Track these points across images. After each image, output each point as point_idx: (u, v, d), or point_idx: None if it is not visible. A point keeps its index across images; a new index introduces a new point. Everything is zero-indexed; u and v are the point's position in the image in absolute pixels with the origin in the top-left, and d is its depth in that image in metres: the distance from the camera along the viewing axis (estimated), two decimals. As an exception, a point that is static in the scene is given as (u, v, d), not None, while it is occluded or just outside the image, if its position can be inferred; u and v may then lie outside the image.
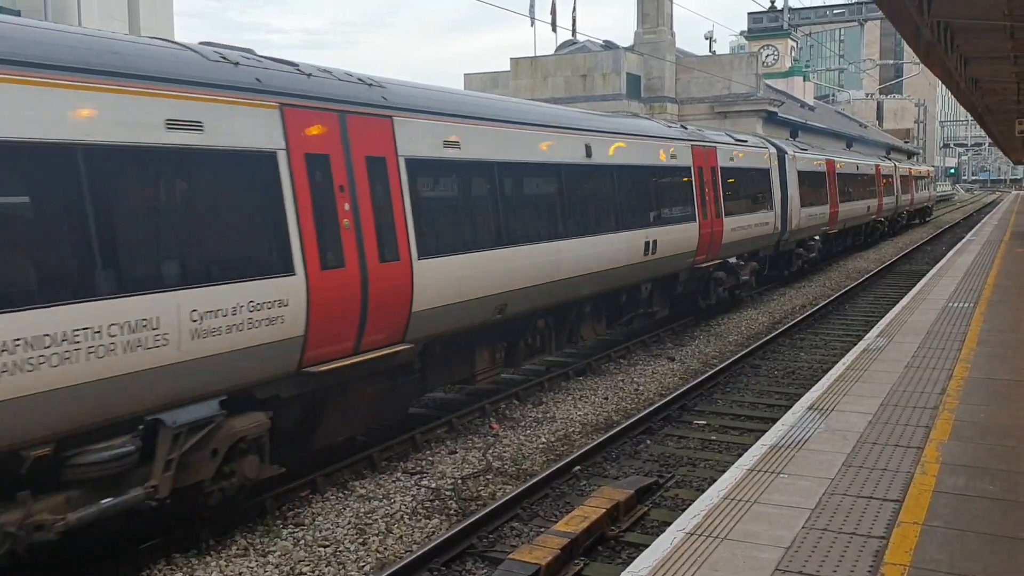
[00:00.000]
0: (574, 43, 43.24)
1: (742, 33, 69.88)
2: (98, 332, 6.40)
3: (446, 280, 10.11)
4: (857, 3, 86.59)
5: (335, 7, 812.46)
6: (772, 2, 66.99)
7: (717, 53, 51.60)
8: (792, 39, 62.30)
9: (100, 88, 6.62)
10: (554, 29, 42.51)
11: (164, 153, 7.02)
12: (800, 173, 25.56)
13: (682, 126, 19.71)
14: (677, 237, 16.75)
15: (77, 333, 6.26)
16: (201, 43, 8.51)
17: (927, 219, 59.33)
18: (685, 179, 17.51)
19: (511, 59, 39.13)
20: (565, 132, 13.26)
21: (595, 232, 13.60)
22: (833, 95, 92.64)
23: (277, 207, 7.98)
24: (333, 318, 8.48)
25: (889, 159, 49.36)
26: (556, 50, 43.20)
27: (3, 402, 5.87)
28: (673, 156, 17.12)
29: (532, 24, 39.97)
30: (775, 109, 38.94)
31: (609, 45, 40.90)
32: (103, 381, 6.47)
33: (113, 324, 6.51)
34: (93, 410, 6.54)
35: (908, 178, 48.73)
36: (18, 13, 51.52)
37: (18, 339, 5.91)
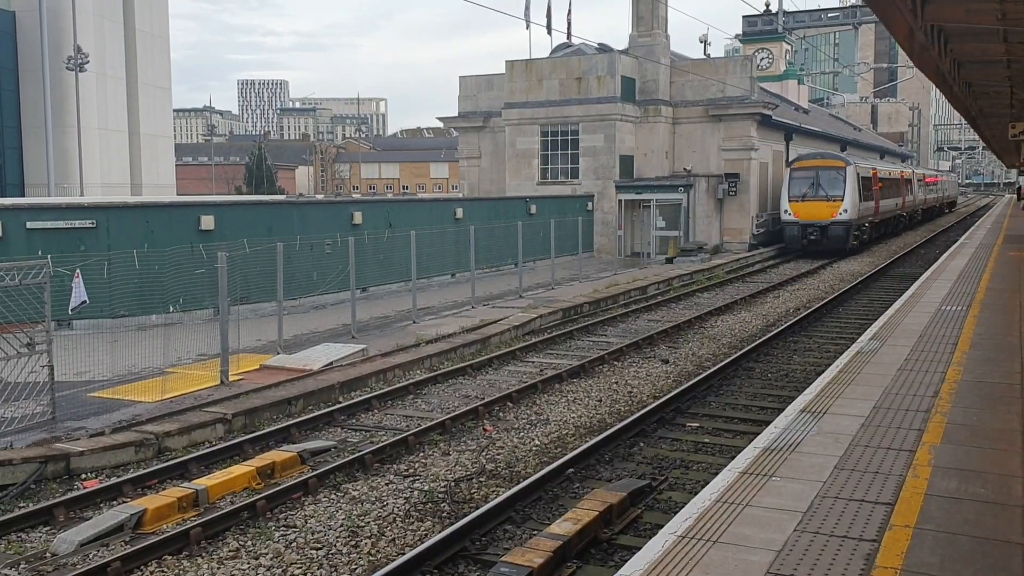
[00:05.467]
0: (569, 46, 43.26)
1: (737, 36, 69.97)
2: (890, 203, 46.89)
3: (882, 206, 43.72)
4: (851, 7, 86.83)
5: (327, 10, 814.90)
6: (767, 5, 67.17)
7: (711, 56, 51.65)
8: (787, 42, 62.33)
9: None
10: (549, 32, 42.60)
11: (871, 178, 42.49)
12: (924, 181, 62.41)
13: (907, 163, 74.57)
14: (919, 196, 58.38)
15: (885, 204, 45.20)
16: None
17: (952, 209, 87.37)
18: (907, 181, 53.94)
19: (506, 62, 39.07)
20: (897, 169, 53.94)
21: (898, 196, 49.47)
22: (828, 98, 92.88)
23: (870, 185, 41.72)
24: (876, 211, 42.34)
25: (937, 171, 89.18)
26: (551, 53, 43.17)
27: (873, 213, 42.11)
28: (910, 174, 56.50)
29: (527, 27, 40.02)
30: (769, 112, 38.97)
31: (604, 48, 40.90)
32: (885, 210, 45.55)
33: (887, 203, 46.01)
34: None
35: (945, 181, 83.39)
36: (12, 14, 50.98)
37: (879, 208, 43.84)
